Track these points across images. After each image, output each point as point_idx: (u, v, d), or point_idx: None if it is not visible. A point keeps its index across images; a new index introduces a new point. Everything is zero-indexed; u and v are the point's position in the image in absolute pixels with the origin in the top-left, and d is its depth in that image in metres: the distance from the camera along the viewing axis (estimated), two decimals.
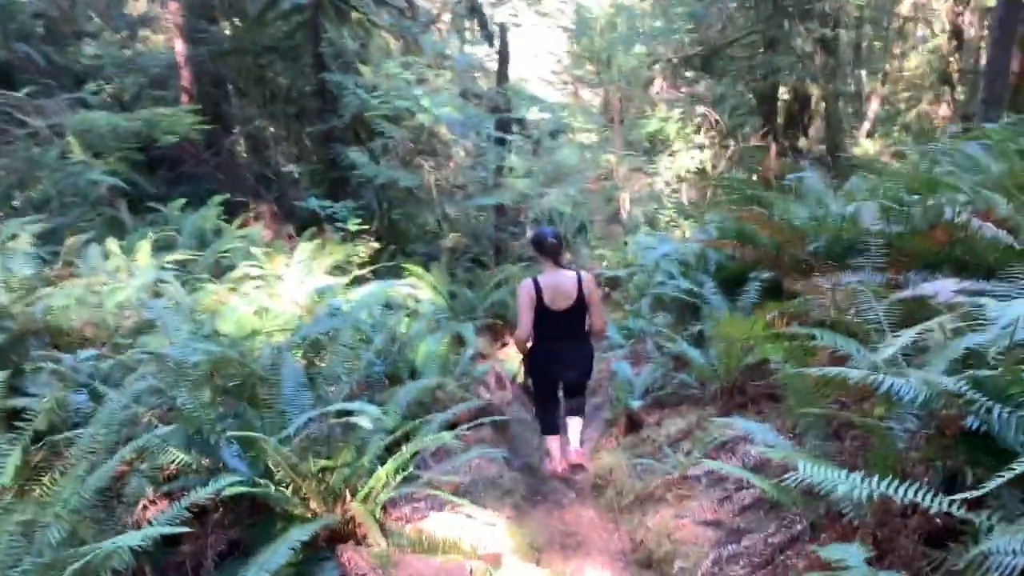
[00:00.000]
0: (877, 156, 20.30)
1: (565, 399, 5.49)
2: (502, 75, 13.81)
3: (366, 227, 10.57)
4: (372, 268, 9.82)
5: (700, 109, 14.40)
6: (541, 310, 5.01)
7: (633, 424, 5.86)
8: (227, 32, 14.86)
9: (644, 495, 4.76)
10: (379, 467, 3.80)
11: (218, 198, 12.27)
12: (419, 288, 10.25)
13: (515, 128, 14.75)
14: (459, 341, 8.82)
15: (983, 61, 21.00)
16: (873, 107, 22.20)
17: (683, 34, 16.65)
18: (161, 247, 8.95)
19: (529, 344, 5.29)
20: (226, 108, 15.76)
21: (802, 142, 18.77)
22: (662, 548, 4.16)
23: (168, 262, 8.06)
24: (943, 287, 3.79)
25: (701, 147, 14.66)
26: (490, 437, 6.16)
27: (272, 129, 16.07)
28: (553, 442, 5.49)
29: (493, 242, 14.13)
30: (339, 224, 10.57)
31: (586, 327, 5.21)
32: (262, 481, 3.52)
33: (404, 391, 4.40)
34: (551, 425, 5.50)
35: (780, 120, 17.35)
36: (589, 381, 5.62)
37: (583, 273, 5.20)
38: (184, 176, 15.14)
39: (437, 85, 11.79)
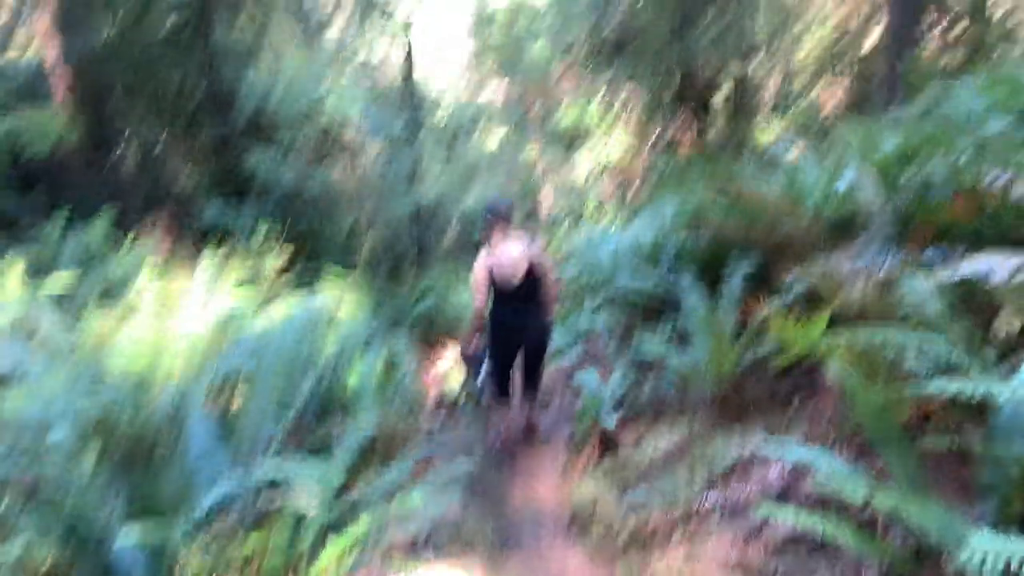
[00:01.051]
0: (773, 140, 20.38)
1: (522, 375, 5.58)
2: (408, 71, 12.91)
3: (274, 235, 9.52)
4: (287, 282, 8.80)
5: (622, 95, 13.82)
6: (495, 282, 5.11)
7: (608, 445, 5.10)
8: (107, 30, 13.44)
9: (642, 533, 4.00)
10: (324, 547, 2.91)
11: (107, 211, 11.00)
12: (340, 300, 9.27)
13: (427, 125, 13.88)
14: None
15: (870, 42, 21.57)
16: (770, 89, 22.30)
17: (588, 24, 16.08)
18: (38, 272, 7.73)
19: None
20: (111, 115, 14.35)
21: (714, 126, 18.56)
22: None
23: (45, 291, 6.89)
24: (996, 265, 3.15)
25: (621, 136, 14.08)
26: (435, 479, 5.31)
27: (163, 136, 14.76)
28: (504, 409, 5.66)
29: (414, 244, 13.22)
30: (245, 235, 9.47)
31: (541, 296, 5.25)
32: None
33: (348, 440, 3.48)
34: (504, 387, 5.58)
35: (693, 106, 17.01)
36: (543, 356, 5.61)
37: (535, 244, 5.21)
38: (66, 192, 13.68)
39: (341, 84, 10.78)
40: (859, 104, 20.71)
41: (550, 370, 7.63)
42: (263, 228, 9.34)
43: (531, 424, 5.84)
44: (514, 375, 5.58)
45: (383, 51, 14.45)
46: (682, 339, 5.56)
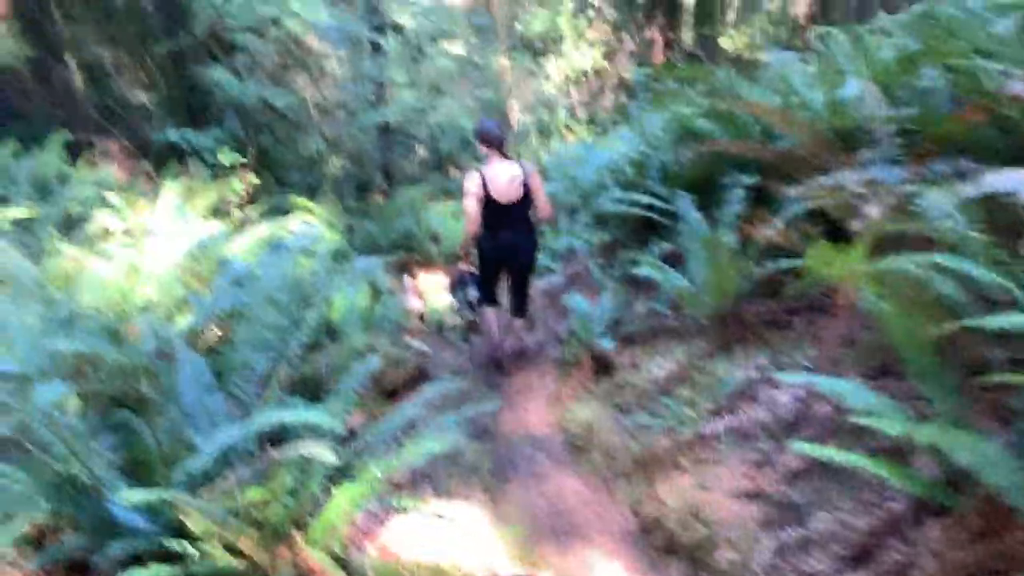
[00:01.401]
0: (745, 49, 20.01)
1: (510, 295, 5.79)
2: None
3: (241, 159, 9.13)
4: (255, 208, 8.49)
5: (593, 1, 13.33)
6: (487, 201, 5.22)
7: (602, 367, 5.02)
8: None
9: (645, 459, 3.95)
10: (332, 491, 2.78)
11: (57, 137, 10.47)
12: (313, 225, 9.00)
13: (392, 35, 13.30)
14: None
15: None
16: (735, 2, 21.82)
17: None
18: None
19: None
20: (52, 31, 13.51)
21: (684, 33, 18.10)
22: (689, 530, 3.37)
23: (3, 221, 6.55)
24: (1021, 181, 3.04)
25: (592, 44, 13.64)
26: (432, 398, 5.21)
27: (111, 53, 13.98)
28: (491, 314, 5.82)
29: (381, 165, 12.84)
30: (207, 158, 9.07)
31: (531, 215, 5.44)
32: (174, 543, 2.46)
33: (349, 379, 3.32)
34: (491, 295, 5.79)
35: (664, 11, 16.52)
36: (532, 271, 5.80)
37: (526, 164, 5.43)
38: (12, 118, 13.01)
39: None
40: (829, 9, 20.48)
41: (535, 289, 7.53)
42: (226, 151, 8.92)
43: (522, 346, 6.05)
44: (501, 292, 5.83)
45: None
46: (675, 259, 5.44)
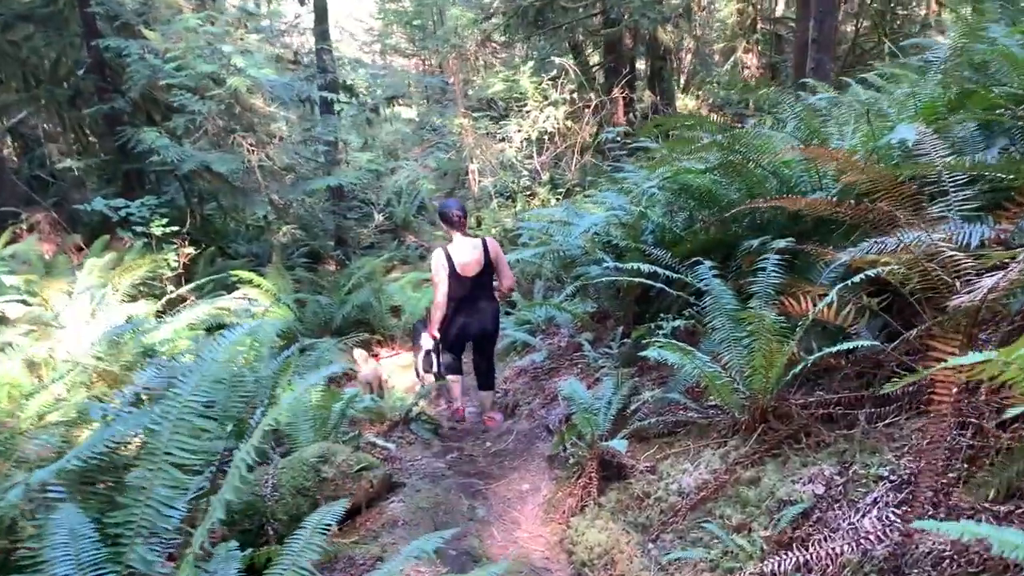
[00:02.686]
0: (696, 111, 19.84)
1: (476, 366, 6.13)
2: (322, 33, 11.56)
3: (176, 228, 8.18)
4: (195, 282, 7.53)
5: (556, 61, 12.78)
6: (454, 276, 5.57)
7: (611, 472, 4.15)
8: None
9: None
10: None
11: None
12: (256, 302, 8.04)
13: (344, 96, 12.59)
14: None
15: (780, 8, 21.34)
16: (687, 60, 21.77)
17: None
18: None
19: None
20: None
21: (644, 95, 17.80)
22: None
23: None
24: None
25: (557, 103, 13.07)
26: (404, 514, 4.27)
27: (40, 120, 13.02)
28: (455, 383, 6.09)
29: (334, 232, 11.95)
30: (140, 228, 8.09)
31: (494, 286, 5.82)
32: None
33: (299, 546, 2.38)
34: (455, 367, 6.05)
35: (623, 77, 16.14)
36: (496, 342, 6.13)
37: (488, 239, 5.79)
38: None
39: (246, 47, 9.40)
40: (776, 69, 20.46)
41: (514, 369, 6.68)
42: (157, 220, 7.98)
43: (490, 415, 6.06)
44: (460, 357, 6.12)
45: (292, 12, 13.03)
46: (688, 337, 4.64)
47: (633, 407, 4.40)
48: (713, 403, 4.00)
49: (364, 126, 13.58)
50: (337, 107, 12.06)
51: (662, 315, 4.72)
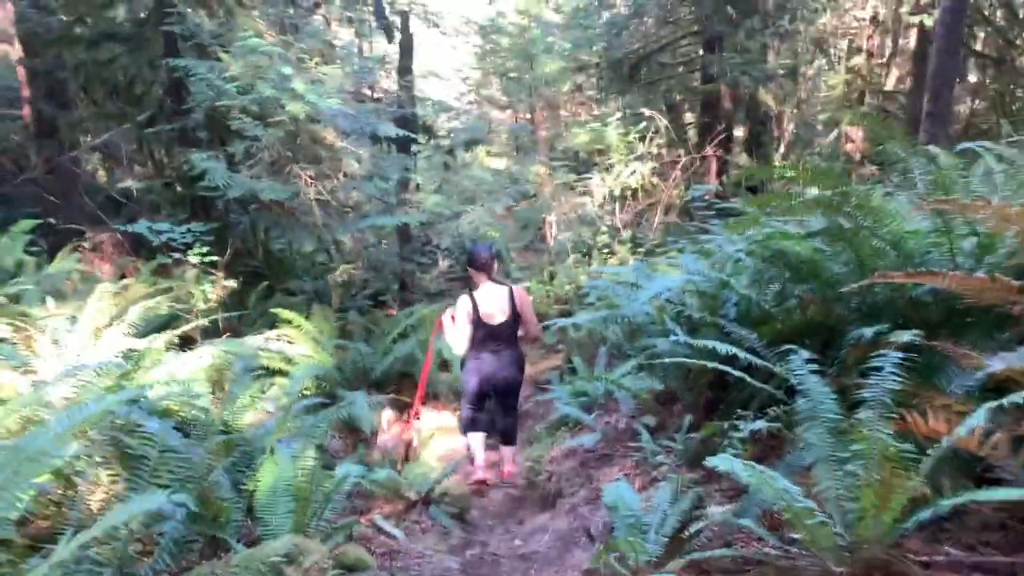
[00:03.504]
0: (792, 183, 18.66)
1: (498, 418, 5.87)
2: (404, 68, 11.13)
3: (215, 257, 7.66)
4: (223, 315, 6.95)
5: (647, 113, 12.01)
6: (477, 323, 5.44)
7: None
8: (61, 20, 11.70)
9: None
10: None
11: (26, 224, 9.23)
12: (295, 343, 7.40)
13: (422, 136, 12.12)
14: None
15: (891, 81, 20.10)
16: (788, 128, 20.70)
17: (605, 43, 14.36)
18: None
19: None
20: (65, 116, 12.56)
21: (740, 159, 16.86)
22: None
23: None
24: None
25: (644, 157, 12.26)
26: None
27: (117, 137, 12.97)
28: (475, 440, 5.81)
29: (398, 275, 11.35)
30: (176, 255, 7.61)
31: (518, 335, 5.65)
32: None
33: None
34: (478, 423, 5.82)
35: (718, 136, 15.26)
36: (519, 396, 6.02)
37: (515, 287, 5.63)
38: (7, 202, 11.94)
39: (323, 77, 8.97)
40: (882, 143, 19.19)
41: (562, 450, 5.80)
42: (204, 248, 7.47)
43: (509, 467, 5.88)
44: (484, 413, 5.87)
45: (377, 46, 12.67)
46: (772, 446, 3.70)
47: (694, 528, 3.45)
48: (798, 540, 3.03)
49: (440, 169, 13.06)
50: (414, 148, 11.57)
51: (740, 410, 3.77)
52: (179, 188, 9.88)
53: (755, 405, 4.08)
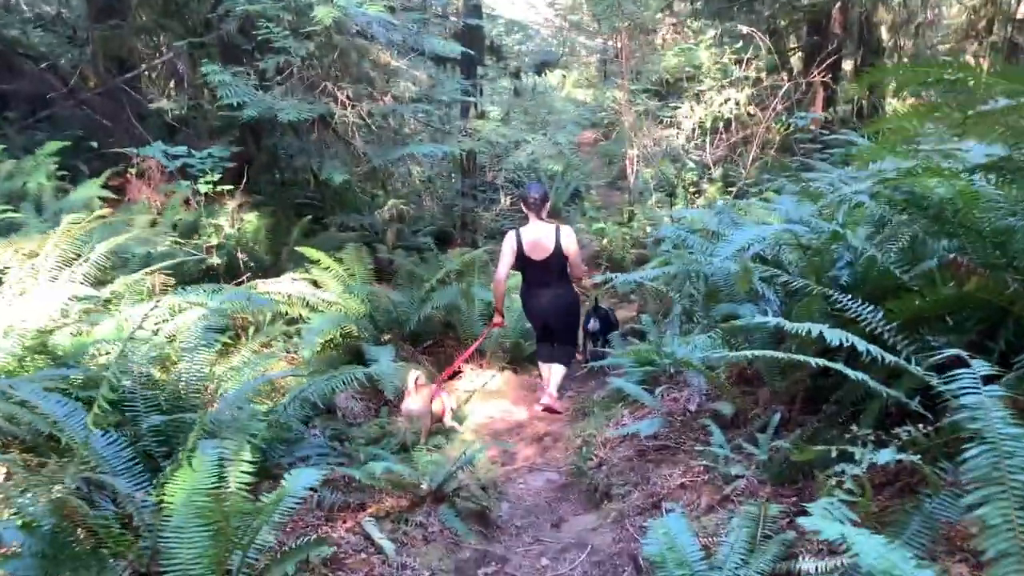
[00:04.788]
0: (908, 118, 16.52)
1: (553, 345, 6.03)
2: None
3: (230, 187, 6.78)
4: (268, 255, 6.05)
5: (744, 31, 10.41)
6: (522, 259, 5.66)
7: None
8: None
9: None
10: None
11: (52, 146, 8.54)
12: (322, 287, 6.50)
13: (489, 58, 10.92)
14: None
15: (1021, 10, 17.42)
16: (902, 59, 18.42)
17: None
18: None
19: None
20: (121, 35, 11.84)
21: (850, 89, 14.97)
22: None
23: None
24: None
25: (740, 83, 10.73)
26: None
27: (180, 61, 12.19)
28: (543, 370, 6.09)
29: (458, 208, 10.31)
30: (204, 186, 6.72)
31: (568, 274, 5.79)
32: None
33: None
34: (542, 353, 6.11)
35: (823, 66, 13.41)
36: (576, 331, 6.18)
37: (562, 227, 5.74)
38: (44, 121, 11.36)
39: None
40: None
41: (615, 436, 4.73)
42: (211, 176, 6.57)
43: (552, 402, 5.85)
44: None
45: None
46: (914, 481, 2.53)
47: None
48: None
49: (512, 97, 11.82)
50: (480, 71, 10.38)
51: (854, 424, 2.60)
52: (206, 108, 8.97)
53: (874, 411, 2.90)
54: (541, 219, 5.66)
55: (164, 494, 2.51)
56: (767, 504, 2.78)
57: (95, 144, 9.96)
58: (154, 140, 10.53)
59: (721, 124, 11.07)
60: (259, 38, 6.94)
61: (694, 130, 11.63)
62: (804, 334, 2.56)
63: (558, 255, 5.56)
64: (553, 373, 5.92)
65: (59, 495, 2.39)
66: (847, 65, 15.86)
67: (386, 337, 6.38)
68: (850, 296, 3.07)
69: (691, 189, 11.67)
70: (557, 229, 5.62)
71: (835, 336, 2.47)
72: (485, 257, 7.51)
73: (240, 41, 8.45)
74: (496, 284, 5.75)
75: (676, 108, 11.58)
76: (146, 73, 13.82)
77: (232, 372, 4.74)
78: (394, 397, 5.50)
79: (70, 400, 3.05)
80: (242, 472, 2.66)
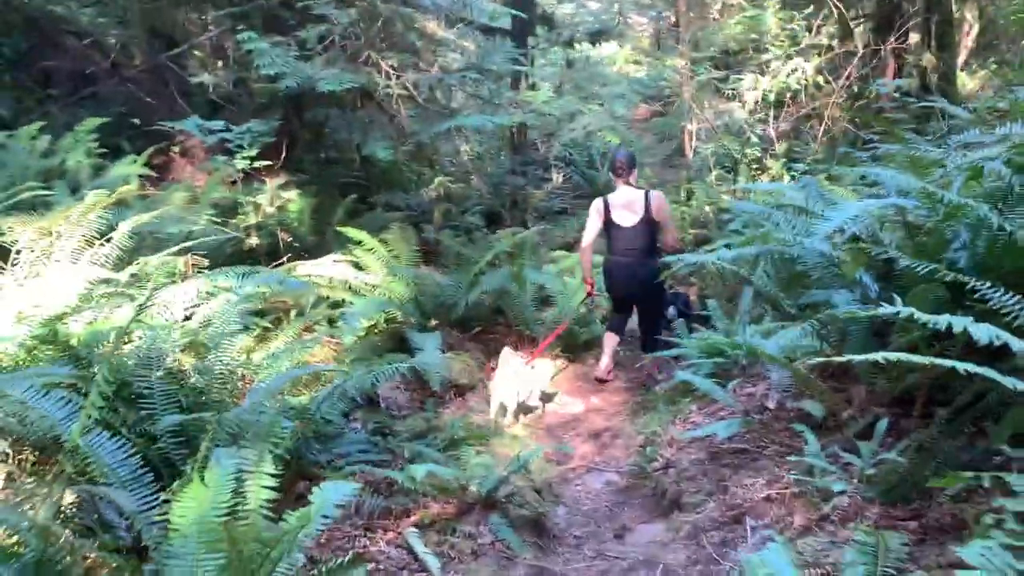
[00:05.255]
0: (977, 93, 15.52)
1: (639, 325, 5.84)
2: None
3: (268, 163, 6.43)
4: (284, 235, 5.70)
5: (806, 10, 9.69)
6: (609, 225, 5.51)
7: None
8: None
9: None
10: None
11: (91, 122, 8.31)
12: (366, 270, 6.14)
13: (541, 28, 10.43)
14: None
15: None
16: (972, 35, 17.29)
17: None
18: None
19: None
20: (169, 8, 11.61)
21: (923, 58, 14.10)
22: None
23: None
24: None
25: (808, 52, 10.04)
26: None
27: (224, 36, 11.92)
28: (607, 340, 5.77)
29: (506, 191, 9.87)
30: (241, 162, 6.39)
31: (657, 243, 5.58)
32: None
33: None
34: (612, 323, 5.83)
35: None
36: (661, 301, 5.74)
37: (652, 192, 5.60)
38: (88, 98, 11.20)
39: None
40: None
41: (684, 438, 4.28)
42: (249, 151, 6.24)
43: (649, 375, 5.66)
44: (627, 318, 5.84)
45: None
46: None
47: None
48: None
49: (564, 69, 11.29)
50: (531, 41, 9.88)
51: (976, 421, 2.12)
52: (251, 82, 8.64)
53: (1014, 420, 2.41)
54: (629, 184, 5.53)
55: (171, 516, 2.14)
56: (884, 535, 2.31)
57: (137, 121, 9.75)
58: (201, 117, 10.26)
59: (788, 96, 10.38)
60: (300, 5, 6.56)
61: (757, 103, 10.95)
62: (941, 328, 2.07)
63: (648, 221, 5.41)
64: (644, 361, 5.76)
65: (43, 519, 2.04)
66: (914, 36, 14.97)
67: (433, 323, 6.00)
68: (976, 279, 2.57)
69: (753, 166, 11.02)
70: (647, 194, 5.48)
71: (985, 333, 1.98)
72: (536, 238, 7.07)
73: (283, 13, 8.12)
74: (583, 252, 5.74)
75: (740, 79, 10.91)
76: (192, 49, 13.57)
77: (270, 360, 4.42)
78: (440, 389, 5.13)
79: (78, 396, 2.72)
80: (263, 487, 2.28)
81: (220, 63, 11.67)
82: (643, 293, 5.59)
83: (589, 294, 5.92)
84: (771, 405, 4.09)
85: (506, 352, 5.41)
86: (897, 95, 7.12)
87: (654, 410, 5.08)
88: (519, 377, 5.20)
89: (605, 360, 5.74)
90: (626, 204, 5.46)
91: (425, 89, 7.12)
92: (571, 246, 10.35)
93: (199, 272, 5.02)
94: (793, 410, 3.85)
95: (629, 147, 13.01)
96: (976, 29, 17.72)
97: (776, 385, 4.18)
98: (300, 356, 4.51)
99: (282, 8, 7.50)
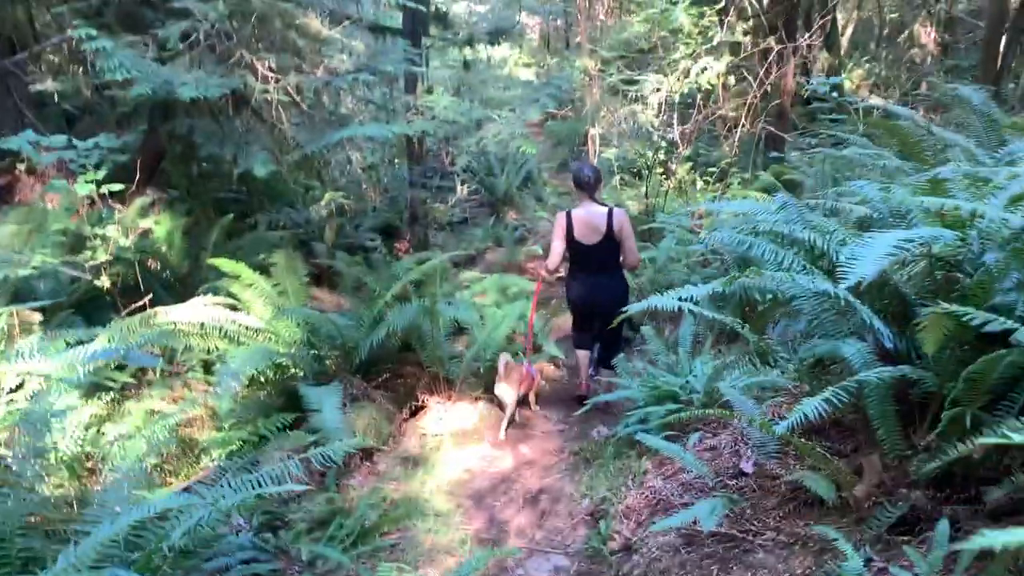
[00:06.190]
0: (853, 91, 15.75)
1: (599, 344, 5.58)
2: None
3: (122, 185, 5.35)
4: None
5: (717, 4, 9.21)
6: (572, 242, 5.24)
7: None
8: None
9: None
10: None
11: None
12: (247, 310, 5.16)
13: (435, 28, 9.63)
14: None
15: None
16: (847, 35, 17.61)
17: None
18: None
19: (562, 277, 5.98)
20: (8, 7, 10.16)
21: (821, 55, 14.07)
22: None
23: None
24: None
25: (721, 49, 9.57)
26: None
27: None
28: (581, 357, 5.65)
29: (406, 204, 8.99)
30: (83, 188, 5.28)
31: (619, 260, 5.35)
32: None
33: None
34: (582, 340, 5.64)
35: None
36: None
37: (616, 209, 5.30)
38: None
39: None
40: (947, 49, 16.15)
41: (641, 497, 3.55)
42: (94, 174, 5.16)
43: (585, 393, 5.44)
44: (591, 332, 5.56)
45: None
46: None
47: None
48: None
49: (461, 71, 10.49)
50: (425, 41, 9.02)
51: None
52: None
53: None
54: (594, 201, 5.23)
55: None
56: None
57: None
58: (52, 131, 8.85)
59: (699, 96, 9.90)
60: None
61: (661, 105, 10.44)
62: None
63: (610, 239, 5.16)
64: (599, 375, 5.56)
65: None
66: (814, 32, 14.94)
67: (331, 369, 5.08)
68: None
69: (658, 170, 10.52)
70: (610, 212, 5.20)
71: None
72: (447, 265, 6.24)
73: (142, 10, 6.99)
74: (546, 274, 5.49)
75: (644, 80, 10.38)
76: (44, 53, 12.04)
77: (121, 443, 3.46)
78: (342, 463, 4.23)
79: None
80: None
81: (81, 69, 10.29)
82: (611, 306, 4.90)
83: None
84: (748, 470, 3.43)
85: (504, 356, 5.18)
86: (835, 95, 6.69)
87: (598, 464, 4.37)
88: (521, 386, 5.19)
89: (583, 377, 5.62)
90: (589, 222, 5.16)
91: (310, 94, 6.19)
92: (474, 259, 9.60)
93: (28, 329, 3.97)
94: (779, 479, 3.19)
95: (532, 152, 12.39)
96: (850, 29, 18.07)
97: (751, 442, 3.52)
98: (160, 435, 3.55)
99: (142, 5, 6.38)
